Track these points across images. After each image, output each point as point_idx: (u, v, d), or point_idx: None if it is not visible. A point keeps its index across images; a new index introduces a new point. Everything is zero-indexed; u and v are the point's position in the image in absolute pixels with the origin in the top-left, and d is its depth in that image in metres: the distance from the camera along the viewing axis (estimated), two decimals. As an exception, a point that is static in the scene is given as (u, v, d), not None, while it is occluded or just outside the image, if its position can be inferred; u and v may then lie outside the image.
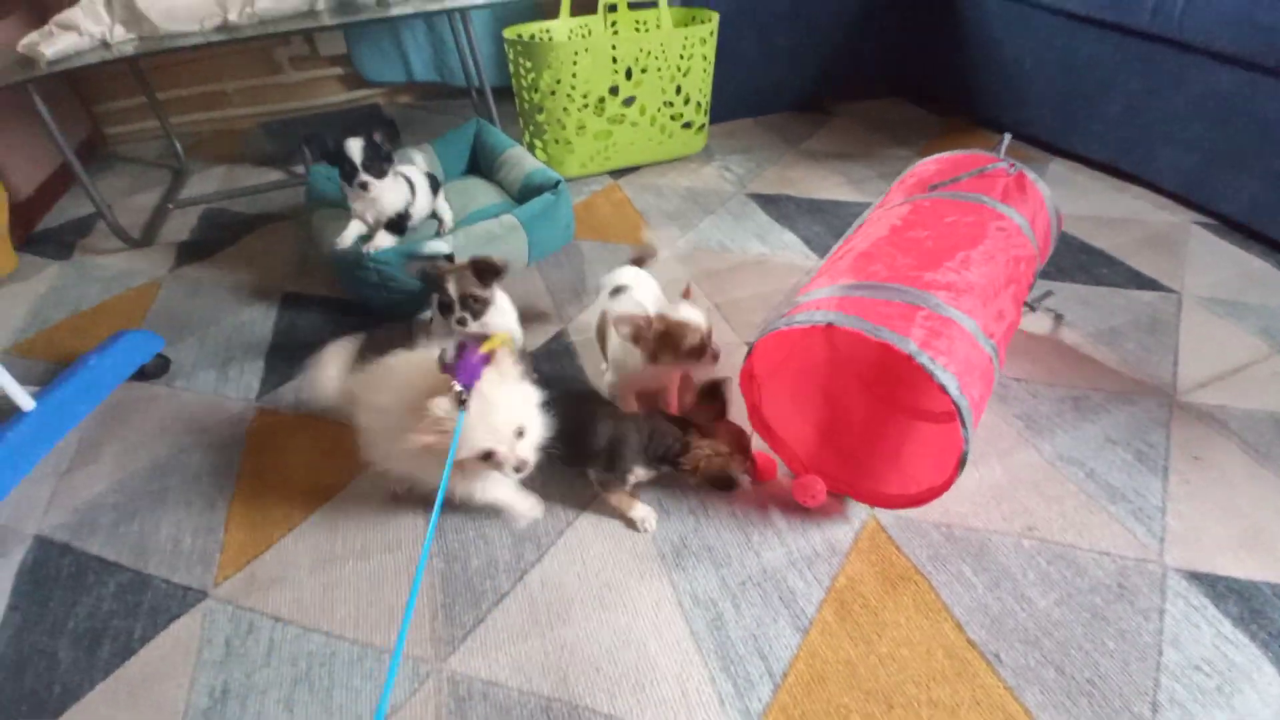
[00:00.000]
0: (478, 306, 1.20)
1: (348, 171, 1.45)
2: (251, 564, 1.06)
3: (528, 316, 1.53)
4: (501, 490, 1.01)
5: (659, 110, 2.13)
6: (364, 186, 1.45)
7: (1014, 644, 0.88)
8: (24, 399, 1.18)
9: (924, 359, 0.85)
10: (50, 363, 1.54)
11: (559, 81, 1.99)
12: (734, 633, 0.92)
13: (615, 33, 2.27)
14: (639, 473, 1.03)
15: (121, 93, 2.74)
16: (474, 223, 1.58)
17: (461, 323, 1.19)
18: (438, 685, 0.88)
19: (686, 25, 2.17)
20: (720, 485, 1.01)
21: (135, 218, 2.15)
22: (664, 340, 1.06)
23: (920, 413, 1.19)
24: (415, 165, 1.68)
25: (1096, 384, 1.26)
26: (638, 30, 2.27)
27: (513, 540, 1.06)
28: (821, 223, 1.85)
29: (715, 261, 1.71)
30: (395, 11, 1.90)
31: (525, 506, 1.05)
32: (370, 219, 1.52)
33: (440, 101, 3.00)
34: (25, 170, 2.18)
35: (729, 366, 1.10)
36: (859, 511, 1.06)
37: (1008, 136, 1.30)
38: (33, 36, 1.78)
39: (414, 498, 1.12)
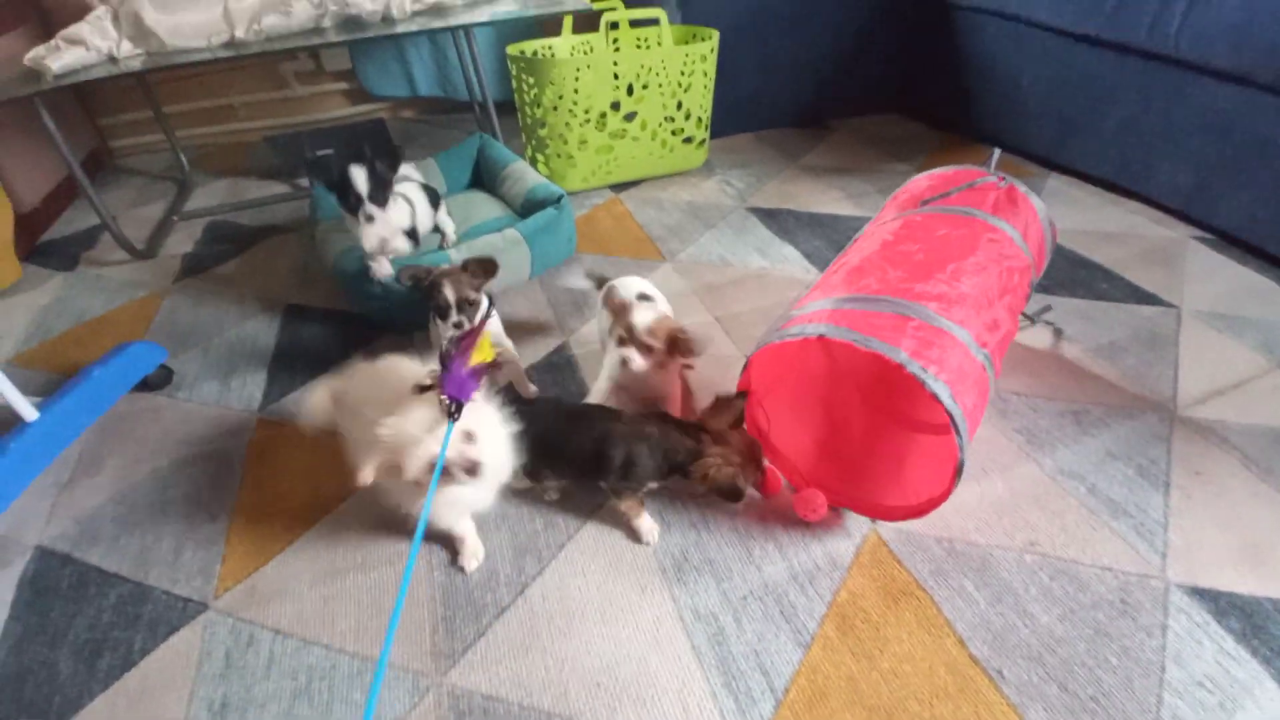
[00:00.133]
0: (472, 310, 1.20)
1: (352, 203, 1.41)
2: (252, 576, 1.05)
3: (529, 329, 1.54)
4: (457, 520, 0.98)
5: (660, 125, 2.16)
6: (369, 219, 1.43)
7: (1017, 660, 0.88)
8: (27, 409, 1.18)
9: (915, 368, 0.86)
10: (53, 373, 1.54)
11: (561, 97, 2.01)
12: (735, 647, 0.91)
13: (617, 50, 2.29)
14: (651, 485, 1.04)
15: (128, 106, 2.77)
16: (477, 236, 1.60)
17: (459, 326, 1.19)
18: (438, 699, 0.88)
19: (687, 43, 2.20)
20: (727, 495, 1.00)
21: (140, 230, 2.17)
22: (674, 344, 1.10)
23: (918, 424, 1.20)
24: (410, 180, 1.65)
25: (1097, 398, 1.27)
26: (639, 47, 2.30)
27: (514, 553, 1.06)
28: (821, 237, 1.86)
29: (716, 275, 1.72)
30: (400, 29, 1.92)
31: (470, 548, 1.03)
32: (373, 245, 1.48)
33: (444, 116, 3.04)
34: (31, 181, 2.20)
35: (729, 380, 1.10)
36: (860, 525, 1.06)
37: (997, 152, 1.32)
38: (39, 50, 1.79)
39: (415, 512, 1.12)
